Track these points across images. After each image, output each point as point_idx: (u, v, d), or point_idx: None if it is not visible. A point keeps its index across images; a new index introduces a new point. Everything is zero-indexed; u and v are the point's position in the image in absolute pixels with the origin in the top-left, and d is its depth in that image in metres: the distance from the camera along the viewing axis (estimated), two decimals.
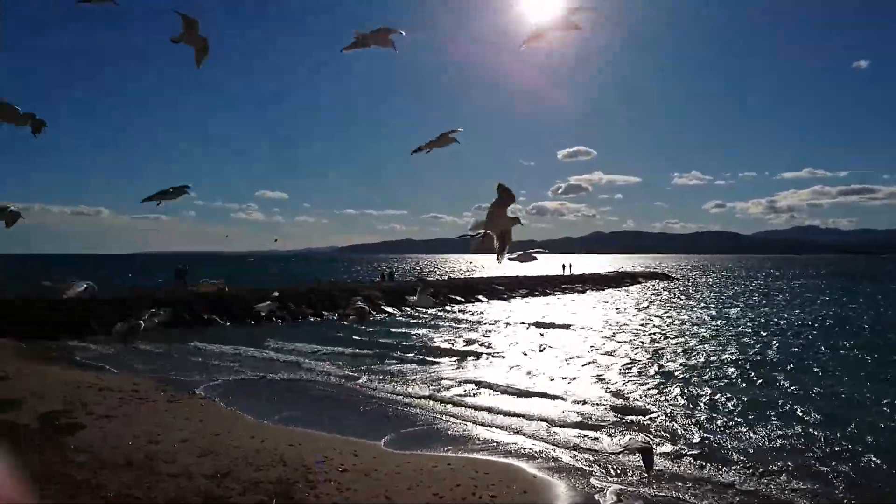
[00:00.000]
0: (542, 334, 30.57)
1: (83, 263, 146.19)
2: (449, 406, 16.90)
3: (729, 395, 17.71)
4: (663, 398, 17.58)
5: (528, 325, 34.80)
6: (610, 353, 25.20)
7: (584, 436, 13.87)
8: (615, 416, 15.42)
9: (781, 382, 19.60)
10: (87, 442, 11.27)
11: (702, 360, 23.76)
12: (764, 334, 31.18)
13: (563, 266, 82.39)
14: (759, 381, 19.93)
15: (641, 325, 35.28)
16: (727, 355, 24.70)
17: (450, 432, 14.35)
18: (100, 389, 16.32)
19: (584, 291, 65.91)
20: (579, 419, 15.33)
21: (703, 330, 33.13)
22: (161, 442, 11.57)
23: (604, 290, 69.27)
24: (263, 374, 20.97)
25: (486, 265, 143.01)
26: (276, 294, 17.71)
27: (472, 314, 41.54)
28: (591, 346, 26.91)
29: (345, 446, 12.24)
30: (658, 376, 20.57)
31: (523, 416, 15.68)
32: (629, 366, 22.41)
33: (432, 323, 36.49)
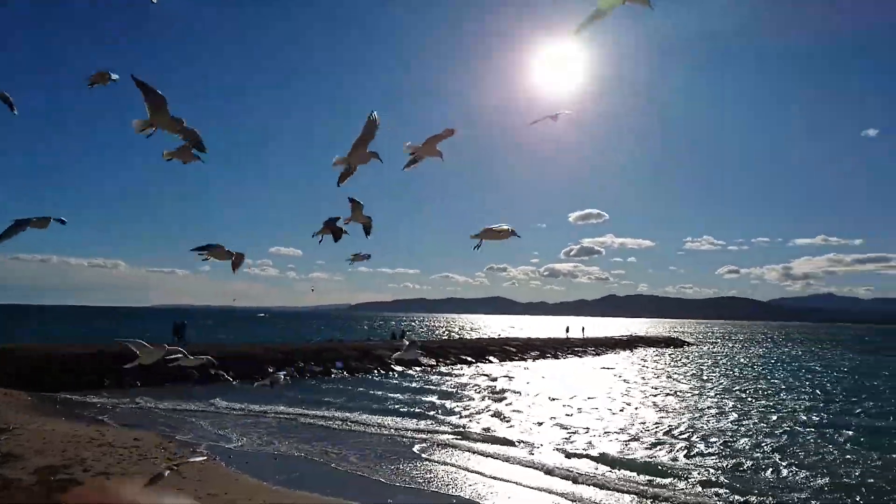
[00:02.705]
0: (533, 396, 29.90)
1: (98, 315, 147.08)
2: (463, 471, 16.43)
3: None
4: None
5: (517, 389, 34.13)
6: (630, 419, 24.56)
7: None
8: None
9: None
10: (81, 499, 10.96)
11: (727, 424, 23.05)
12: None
13: (567, 328, 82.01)
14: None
15: (645, 392, 34.48)
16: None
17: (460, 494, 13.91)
18: (99, 445, 16.05)
19: (596, 354, 64.96)
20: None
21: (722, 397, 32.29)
22: None
23: (616, 353, 68.20)
24: (269, 434, 20.58)
25: (499, 326, 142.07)
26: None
27: (480, 375, 40.87)
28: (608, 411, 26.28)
29: None
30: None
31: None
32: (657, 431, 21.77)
33: (446, 381, 35.89)
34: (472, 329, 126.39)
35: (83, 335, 53.09)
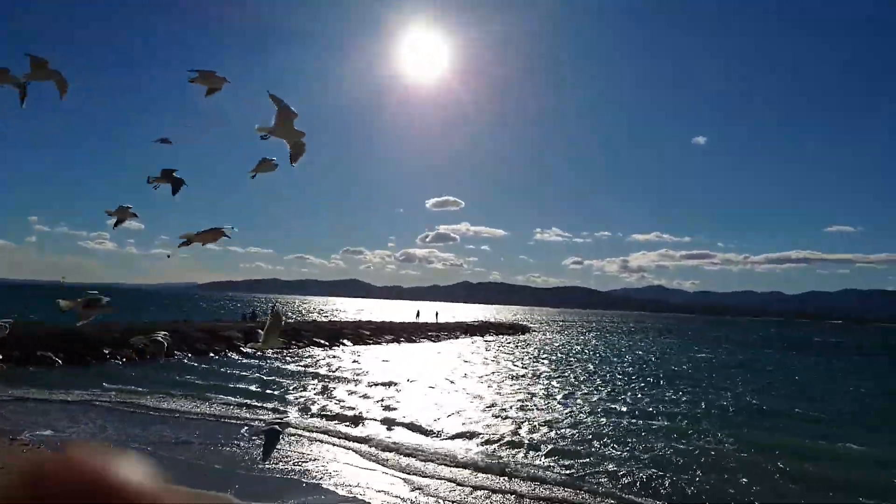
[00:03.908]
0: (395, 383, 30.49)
1: None
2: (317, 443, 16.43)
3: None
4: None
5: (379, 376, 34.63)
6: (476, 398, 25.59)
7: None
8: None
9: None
10: None
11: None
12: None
13: (418, 313, 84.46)
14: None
15: (482, 376, 36.14)
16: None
17: (307, 477, 13.94)
18: None
19: (448, 339, 66.78)
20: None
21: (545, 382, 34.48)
22: None
23: (466, 337, 70.54)
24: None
25: (352, 310, 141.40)
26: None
27: (333, 358, 40.72)
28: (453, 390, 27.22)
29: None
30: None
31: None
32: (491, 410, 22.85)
33: (295, 364, 35.31)
34: (327, 312, 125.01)
35: None
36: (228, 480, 13.77)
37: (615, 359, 52.36)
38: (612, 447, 18.40)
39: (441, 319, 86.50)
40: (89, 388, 24.57)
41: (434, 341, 63.27)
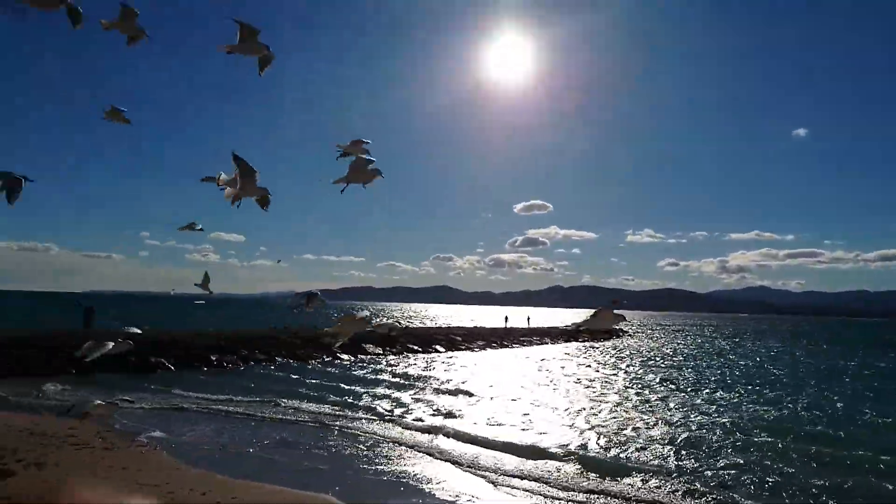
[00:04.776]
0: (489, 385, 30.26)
1: (31, 301, 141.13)
2: (414, 451, 16.49)
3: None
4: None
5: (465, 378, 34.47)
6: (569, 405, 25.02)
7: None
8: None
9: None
10: (14, 490, 10.57)
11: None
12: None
13: (506, 318, 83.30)
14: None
15: (583, 382, 35.25)
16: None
17: (414, 479, 13.97)
18: (32, 434, 15.44)
19: (541, 344, 65.95)
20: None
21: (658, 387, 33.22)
22: None
23: (560, 343, 69.40)
24: (218, 416, 20.19)
25: (451, 315, 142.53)
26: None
27: (427, 363, 41.01)
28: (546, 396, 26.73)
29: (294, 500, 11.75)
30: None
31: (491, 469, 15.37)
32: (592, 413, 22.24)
33: (388, 370, 35.81)
34: (419, 318, 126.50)
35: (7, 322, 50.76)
36: (331, 482, 13.98)
37: (720, 364, 49.95)
38: (720, 460, 17.41)
39: (533, 324, 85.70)
40: (201, 393, 25.79)
41: (526, 346, 62.66)
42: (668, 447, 18.35)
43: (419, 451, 17.59)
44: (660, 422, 22.41)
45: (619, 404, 26.28)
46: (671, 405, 26.42)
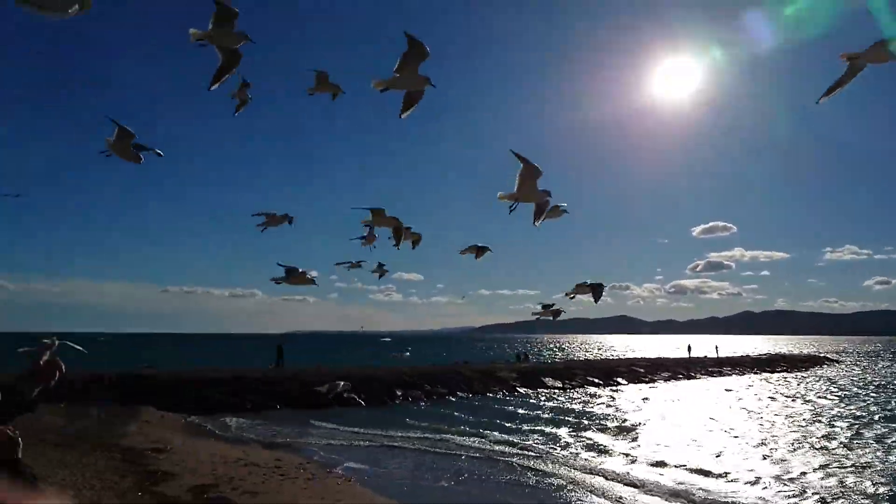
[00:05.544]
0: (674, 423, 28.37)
1: (240, 342, 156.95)
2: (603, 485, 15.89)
3: None
4: None
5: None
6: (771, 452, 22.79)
7: None
8: None
9: None
10: None
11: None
12: None
13: (689, 347, 78.03)
14: None
15: (800, 416, 31.83)
16: None
17: None
18: (245, 465, 16.89)
19: (732, 374, 61.13)
20: None
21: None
22: None
23: (754, 373, 63.81)
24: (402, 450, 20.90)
25: (626, 346, 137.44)
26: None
27: (609, 397, 39.53)
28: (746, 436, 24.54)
29: None
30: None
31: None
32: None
33: (570, 404, 34.98)
34: (598, 349, 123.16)
35: (219, 360, 56.50)
36: None
37: None
38: None
39: (721, 353, 79.77)
40: (388, 427, 26.81)
41: (715, 377, 58.42)
42: None
43: (597, 485, 16.88)
44: (879, 472, 19.67)
45: (828, 448, 23.48)
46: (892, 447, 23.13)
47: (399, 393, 36.01)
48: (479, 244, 6.58)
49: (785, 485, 17.02)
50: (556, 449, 22.45)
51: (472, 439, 24.20)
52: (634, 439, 24.19)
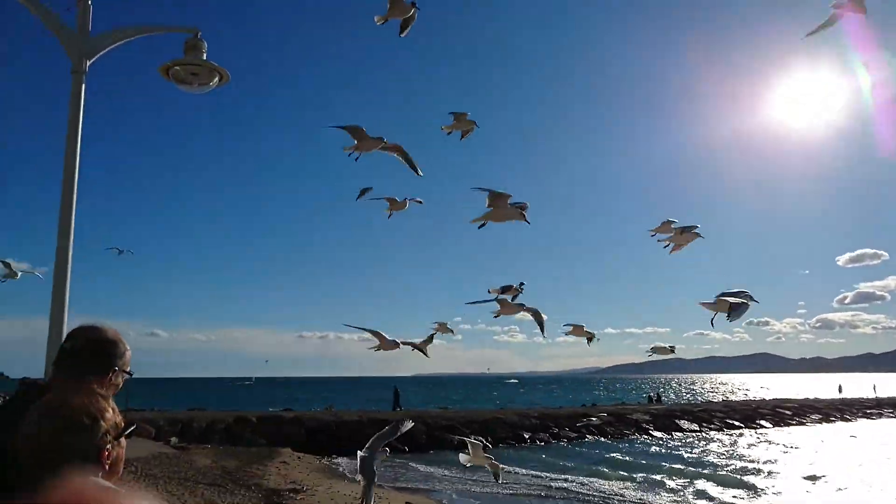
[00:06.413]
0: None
1: (370, 384, 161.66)
2: None
3: None
4: None
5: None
6: None
7: None
8: None
9: None
10: None
11: None
12: None
13: (840, 387, 70.97)
14: None
15: None
16: None
17: None
18: None
19: (893, 417, 55.11)
20: None
21: None
22: None
23: None
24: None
25: (764, 386, 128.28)
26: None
27: (753, 442, 36.81)
28: None
29: None
30: None
31: None
32: None
33: (706, 448, 32.94)
34: (736, 389, 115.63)
35: (354, 403, 58.21)
36: None
37: None
38: None
39: (881, 394, 71.95)
40: (519, 468, 26.46)
41: (874, 419, 52.94)
42: None
43: None
44: None
45: None
46: None
47: (526, 436, 35.52)
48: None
49: None
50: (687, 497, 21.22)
51: (608, 482, 23.38)
52: (765, 487, 22.37)
